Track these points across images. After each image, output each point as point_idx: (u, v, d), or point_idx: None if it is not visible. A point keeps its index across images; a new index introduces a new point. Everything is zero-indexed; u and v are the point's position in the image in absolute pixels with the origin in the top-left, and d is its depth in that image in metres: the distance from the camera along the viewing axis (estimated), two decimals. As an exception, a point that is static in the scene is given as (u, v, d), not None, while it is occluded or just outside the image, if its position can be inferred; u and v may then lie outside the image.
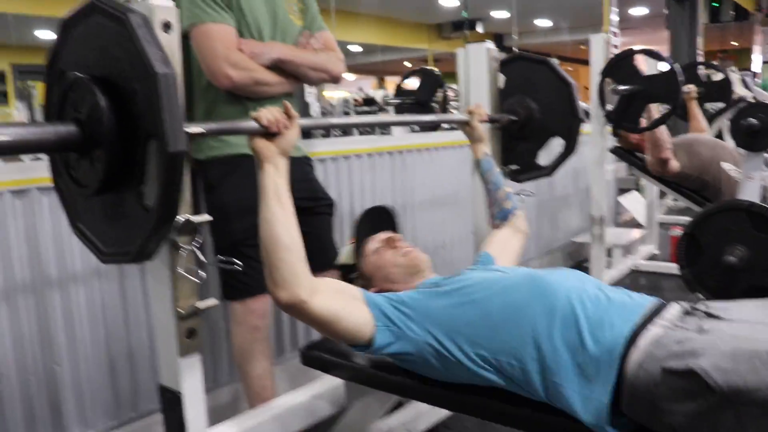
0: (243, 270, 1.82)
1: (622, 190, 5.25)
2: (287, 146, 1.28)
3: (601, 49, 3.16)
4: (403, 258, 1.54)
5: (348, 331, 1.31)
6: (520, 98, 2.07)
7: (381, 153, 2.80)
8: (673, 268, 3.49)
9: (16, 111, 9.81)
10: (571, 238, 4.37)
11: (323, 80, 1.94)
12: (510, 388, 1.30)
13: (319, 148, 2.55)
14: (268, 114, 1.25)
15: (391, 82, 14.68)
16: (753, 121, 2.49)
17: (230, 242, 1.78)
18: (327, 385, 1.62)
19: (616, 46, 3.58)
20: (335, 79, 1.95)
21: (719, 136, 4.47)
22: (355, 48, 13.74)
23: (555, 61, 2.06)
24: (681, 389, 1.07)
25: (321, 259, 1.85)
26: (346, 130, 5.51)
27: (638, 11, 11.04)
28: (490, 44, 2.01)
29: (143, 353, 2.06)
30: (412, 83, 3.74)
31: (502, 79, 2.10)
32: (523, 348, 1.26)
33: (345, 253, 1.66)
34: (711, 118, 4.50)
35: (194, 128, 1.12)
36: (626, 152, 3.71)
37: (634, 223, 4.87)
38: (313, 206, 1.97)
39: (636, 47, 3.01)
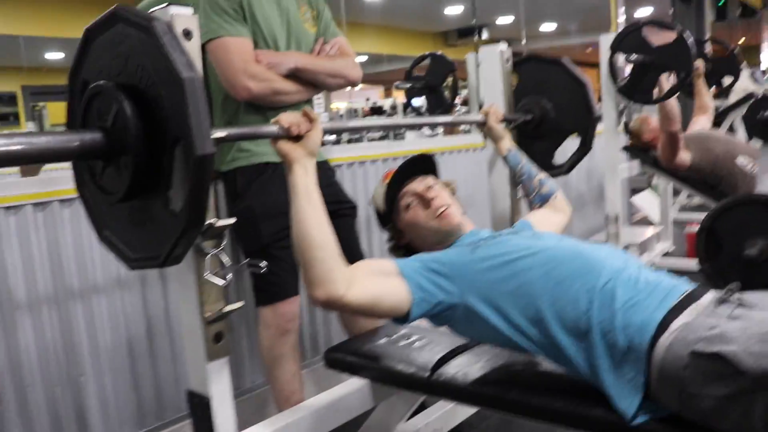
0: (273, 272, 1.83)
1: (635, 191, 5.23)
2: (313, 147, 1.28)
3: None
4: (436, 221, 1.52)
5: (388, 310, 1.32)
6: (534, 98, 2.07)
7: (396, 158, 2.81)
8: (690, 264, 3.48)
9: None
10: (588, 238, 4.36)
11: (341, 86, 1.96)
12: (547, 358, 1.30)
13: (333, 154, 2.56)
14: (289, 117, 1.27)
15: (398, 91, 14.71)
16: (768, 113, 2.48)
17: (259, 246, 1.80)
18: (352, 386, 1.62)
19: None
20: (353, 84, 1.97)
21: (731, 129, 4.45)
22: (361, 58, 13.79)
23: (567, 60, 2.06)
24: (710, 373, 1.07)
25: (350, 262, 1.85)
26: (356, 137, 5.53)
27: (644, 12, 11.04)
28: (503, 45, 2.02)
29: (166, 362, 2.08)
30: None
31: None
32: (559, 322, 1.26)
33: (376, 194, 1.64)
34: (722, 113, 4.48)
35: (218, 133, 1.13)
36: (639, 150, 3.70)
37: (647, 223, 4.85)
38: (337, 209, 1.98)
39: (644, 19, 2.99)
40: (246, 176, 1.82)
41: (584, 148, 2.07)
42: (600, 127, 2.71)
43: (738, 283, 1.26)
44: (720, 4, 9.00)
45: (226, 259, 1.22)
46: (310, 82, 1.87)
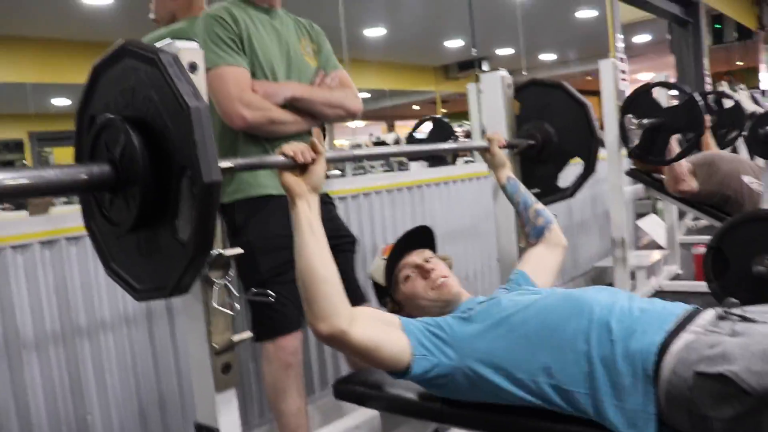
0: (273, 307, 1.82)
1: (640, 215, 5.22)
2: (317, 181, 1.29)
3: (610, 73, 3.20)
4: (434, 291, 1.54)
5: (388, 358, 1.32)
6: (536, 123, 2.09)
7: (400, 188, 2.82)
8: (698, 286, 3.46)
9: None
10: (593, 264, 4.34)
11: (340, 117, 1.96)
12: (552, 409, 1.28)
13: (337, 186, 2.57)
14: (293, 146, 1.28)
15: (400, 126, 14.82)
16: (771, 129, 2.49)
17: (258, 281, 1.78)
18: (362, 417, 1.61)
19: (624, 72, 3.62)
20: (352, 115, 1.97)
21: (733, 150, 4.46)
22: (363, 95, 13.88)
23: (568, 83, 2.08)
24: (716, 393, 1.06)
25: (348, 296, 1.84)
26: (361, 171, 5.56)
27: (641, 38, 11.15)
28: (504, 72, 2.04)
29: (173, 399, 2.06)
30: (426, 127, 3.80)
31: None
32: (562, 368, 1.25)
33: (375, 268, 1.65)
34: (727, 142, 4.50)
35: (224, 163, 1.14)
36: (643, 174, 3.70)
37: (654, 246, 4.83)
38: (337, 244, 1.98)
39: (653, 81, 3.04)
40: (245, 209, 1.81)
41: (588, 171, 2.07)
42: (603, 152, 2.73)
43: (736, 300, 1.26)
44: (717, 26, 9.12)
45: (233, 290, 1.22)
46: (308, 113, 1.86)
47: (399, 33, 9.46)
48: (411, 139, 3.58)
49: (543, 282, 1.66)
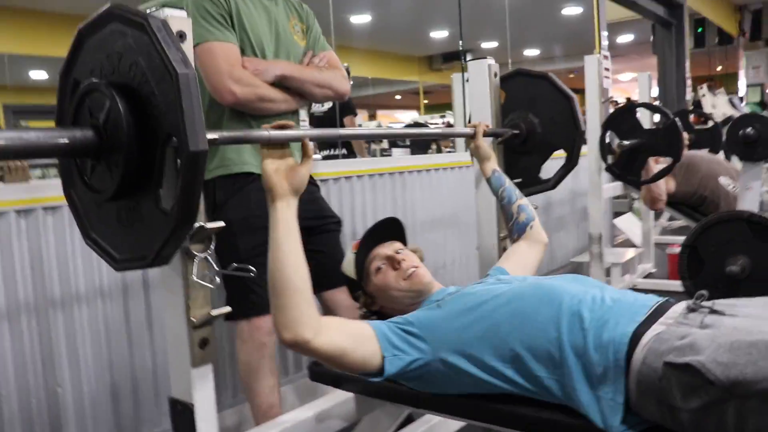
0: (249, 288, 1.81)
1: (617, 214, 5.29)
2: (300, 184, 1.27)
3: (595, 69, 3.22)
4: (405, 282, 1.53)
5: (355, 363, 1.32)
6: (521, 113, 2.09)
7: (382, 174, 2.82)
8: (671, 285, 3.52)
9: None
10: (569, 259, 4.38)
11: (328, 97, 1.95)
12: (525, 395, 1.29)
13: (320, 169, 2.56)
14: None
15: (382, 116, 14.78)
16: (749, 131, 2.52)
17: (236, 260, 1.76)
18: (336, 399, 1.60)
19: (608, 69, 3.65)
20: (340, 97, 1.96)
21: (713, 151, 4.53)
22: (346, 81, 13.81)
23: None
24: (684, 384, 1.07)
25: (334, 277, 1.84)
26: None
27: (625, 38, 11.25)
28: (491, 60, 2.04)
29: (146, 375, 2.04)
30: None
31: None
32: (534, 355, 1.26)
33: (347, 262, 1.65)
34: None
35: (209, 134, 1.12)
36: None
37: (629, 245, 4.89)
38: (321, 224, 1.97)
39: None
40: (226, 187, 1.80)
41: (570, 163, 2.08)
42: (585, 148, 2.75)
43: (707, 292, 1.28)
44: (699, 30, 9.22)
45: (213, 263, 1.21)
46: (297, 92, 1.86)
47: (385, 20, 9.42)
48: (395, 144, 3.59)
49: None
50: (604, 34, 5.07)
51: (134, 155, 1.00)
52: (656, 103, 3.18)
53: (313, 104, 4.03)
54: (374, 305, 1.60)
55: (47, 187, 1.80)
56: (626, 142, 2.90)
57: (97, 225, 1.16)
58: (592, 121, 3.18)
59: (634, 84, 3.57)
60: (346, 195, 2.65)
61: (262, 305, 1.83)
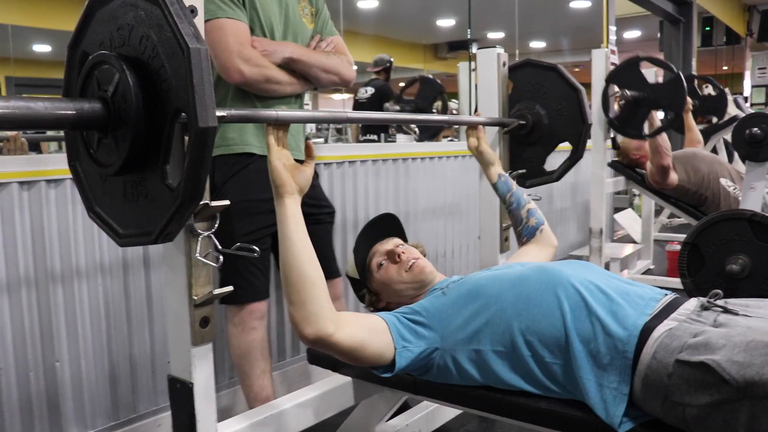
0: (242, 273, 1.81)
1: (617, 209, 5.29)
2: (306, 184, 1.28)
3: (602, 62, 3.21)
4: (408, 273, 1.54)
5: (373, 356, 1.31)
6: (528, 104, 2.08)
7: (385, 160, 2.81)
8: (669, 282, 3.53)
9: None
10: (569, 253, 4.38)
11: (334, 83, 1.94)
12: (528, 384, 1.29)
13: (324, 152, 2.55)
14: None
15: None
16: (756, 130, 2.52)
17: (231, 245, 1.76)
18: (334, 383, 1.61)
19: (614, 64, 3.64)
20: (346, 83, 1.96)
21: (714, 152, 4.54)
22: (350, 67, 13.74)
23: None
24: (695, 381, 1.08)
25: (322, 267, 1.83)
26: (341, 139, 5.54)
27: (631, 34, 11.20)
28: (500, 49, 2.03)
29: (144, 353, 2.04)
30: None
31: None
32: (540, 339, 1.26)
33: (349, 264, 1.66)
34: (706, 134, 4.57)
35: (218, 112, 1.11)
36: (625, 167, 3.74)
37: (628, 240, 4.90)
38: (315, 213, 1.97)
39: (642, 54, 3.07)
40: (226, 167, 1.79)
41: (575, 156, 2.07)
42: (588, 142, 2.75)
43: (720, 291, 1.27)
44: (707, 29, 9.18)
45: (217, 242, 1.20)
46: (303, 75, 1.85)
47: (392, 7, 9.37)
48: (400, 99, 3.57)
49: None
50: (612, 28, 5.05)
51: (142, 130, 0.99)
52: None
53: (359, 91, 4.08)
54: (380, 302, 1.60)
55: (50, 160, 1.79)
56: (629, 92, 2.90)
57: (101, 199, 1.15)
58: (597, 115, 3.17)
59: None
60: (349, 180, 2.64)
61: (254, 290, 1.84)
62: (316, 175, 2.05)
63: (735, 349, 1.06)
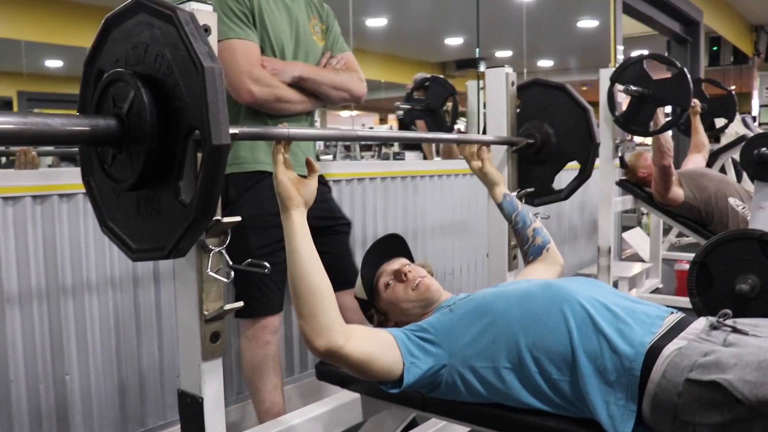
0: (257, 287, 1.82)
1: (625, 228, 5.28)
2: (311, 197, 1.30)
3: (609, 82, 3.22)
4: (414, 292, 1.54)
5: (382, 370, 1.31)
6: (536, 123, 2.09)
7: (394, 177, 2.82)
8: (678, 301, 3.51)
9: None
10: (577, 271, 4.37)
11: (344, 99, 1.96)
12: (537, 400, 1.29)
13: (333, 169, 2.57)
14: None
15: (393, 120, 14.78)
16: (764, 150, 2.52)
17: (246, 258, 1.77)
18: (342, 399, 1.60)
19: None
20: (357, 99, 1.97)
21: (722, 171, 4.53)
22: (359, 84, 13.80)
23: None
24: (705, 400, 1.07)
25: (342, 278, 1.85)
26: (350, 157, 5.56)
27: (638, 53, 11.26)
28: (508, 69, 2.05)
29: (153, 367, 2.05)
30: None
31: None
32: (547, 356, 1.26)
33: (357, 286, 1.67)
34: (714, 155, 4.56)
35: (231, 129, 1.13)
36: (633, 185, 3.74)
37: (636, 259, 4.89)
38: (331, 225, 1.98)
39: (645, 53, 3.08)
40: (239, 184, 1.81)
41: (583, 175, 2.08)
42: (597, 161, 2.76)
43: (730, 311, 1.27)
44: (714, 48, 9.21)
45: (228, 258, 1.21)
46: (314, 93, 1.87)
47: (401, 25, 9.43)
48: (409, 97, 3.57)
49: None
50: (620, 48, 5.07)
51: (156, 146, 1.00)
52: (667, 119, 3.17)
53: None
54: (388, 322, 1.60)
55: (63, 174, 1.81)
56: (633, 88, 2.90)
57: (114, 214, 1.17)
58: (605, 132, 3.18)
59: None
60: (357, 196, 2.65)
61: (268, 305, 1.84)
62: (328, 189, 2.07)
63: (747, 368, 1.05)
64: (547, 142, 2.08)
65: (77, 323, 1.86)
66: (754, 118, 8.44)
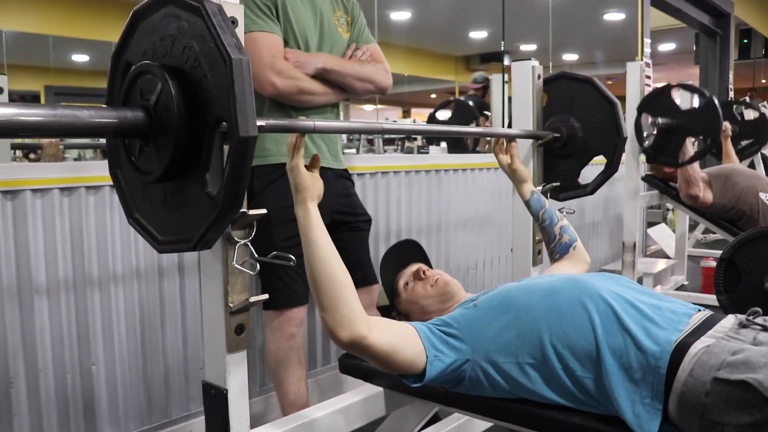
0: (282, 280, 1.83)
1: (650, 223, 5.22)
2: (321, 191, 1.31)
3: (637, 76, 3.18)
4: (433, 288, 1.55)
5: (405, 362, 1.30)
6: (562, 116, 2.07)
7: (418, 171, 2.81)
8: (703, 298, 3.46)
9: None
10: (601, 267, 4.33)
11: (369, 91, 1.95)
12: (560, 396, 1.28)
13: (358, 163, 2.57)
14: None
15: (416, 113, 14.75)
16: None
17: (270, 250, 1.78)
18: (365, 393, 1.61)
19: (649, 77, 3.60)
20: (382, 91, 1.96)
21: (752, 167, 4.46)
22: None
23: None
24: (734, 400, 1.05)
25: (359, 274, 1.85)
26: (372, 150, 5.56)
27: (666, 47, 11.08)
28: (534, 62, 2.02)
29: (178, 359, 2.07)
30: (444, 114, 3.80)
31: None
32: (571, 352, 1.24)
33: (379, 294, 1.67)
34: (743, 152, 4.49)
35: (258, 121, 1.13)
36: (659, 181, 3.69)
37: (661, 255, 4.82)
38: (352, 221, 1.98)
39: (673, 82, 3.03)
40: (263, 177, 1.81)
41: (610, 170, 2.05)
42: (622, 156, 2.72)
43: (760, 309, 1.25)
44: (744, 41, 9.04)
45: (253, 250, 1.21)
46: (338, 85, 1.86)
47: (425, 18, 9.39)
48: (432, 121, 3.59)
49: None
50: (647, 41, 5.00)
51: (183, 138, 1.01)
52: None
53: None
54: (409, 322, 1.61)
55: (90, 167, 1.83)
56: (661, 120, 2.86)
57: (141, 206, 1.17)
58: (632, 134, 3.14)
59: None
60: (381, 190, 2.65)
61: (293, 296, 1.85)
62: (351, 184, 2.07)
63: None
64: (573, 136, 2.05)
65: (103, 314, 1.88)
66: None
